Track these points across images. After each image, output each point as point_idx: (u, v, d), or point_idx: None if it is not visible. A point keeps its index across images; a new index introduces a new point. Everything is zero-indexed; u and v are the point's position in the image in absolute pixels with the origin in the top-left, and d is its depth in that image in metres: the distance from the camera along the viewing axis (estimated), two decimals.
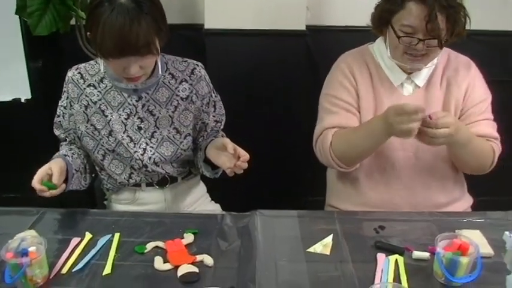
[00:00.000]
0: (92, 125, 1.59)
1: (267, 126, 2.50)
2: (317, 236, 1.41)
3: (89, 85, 1.57)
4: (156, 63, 1.53)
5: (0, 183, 2.70)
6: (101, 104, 1.57)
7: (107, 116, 1.58)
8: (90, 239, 1.40)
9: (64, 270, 1.28)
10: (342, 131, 1.62)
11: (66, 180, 1.49)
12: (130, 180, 1.67)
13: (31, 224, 1.46)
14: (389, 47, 1.60)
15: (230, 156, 1.43)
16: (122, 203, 1.74)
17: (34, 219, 1.49)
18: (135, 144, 1.60)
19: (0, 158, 2.68)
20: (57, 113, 1.64)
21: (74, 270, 1.28)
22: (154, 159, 1.62)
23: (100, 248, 1.36)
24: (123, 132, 1.59)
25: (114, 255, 1.33)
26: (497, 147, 1.64)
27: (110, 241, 1.39)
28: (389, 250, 1.35)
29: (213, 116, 1.70)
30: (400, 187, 1.67)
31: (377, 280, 1.24)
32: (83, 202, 1.74)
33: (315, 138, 1.70)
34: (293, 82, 2.45)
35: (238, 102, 2.40)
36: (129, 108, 1.58)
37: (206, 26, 2.36)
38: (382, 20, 1.59)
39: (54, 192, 1.40)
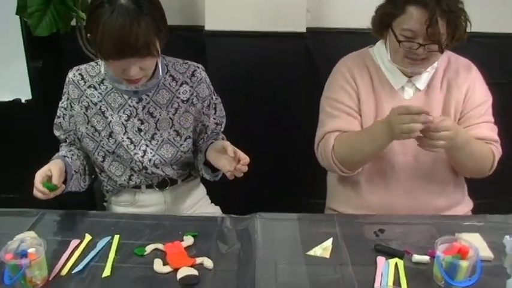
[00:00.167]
0: (92, 126, 1.59)
1: (266, 127, 2.49)
2: (317, 239, 1.41)
3: (90, 86, 1.57)
4: (156, 65, 1.52)
5: (0, 184, 2.70)
6: (101, 106, 1.57)
7: (107, 118, 1.58)
8: (90, 241, 1.40)
9: (63, 272, 1.28)
10: (343, 136, 1.62)
11: (65, 182, 1.49)
12: (130, 182, 1.67)
13: (31, 225, 1.46)
14: (389, 51, 1.60)
15: (230, 159, 1.43)
16: (122, 205, 1.74)
17: (34, 220, 1.49)
18: (135, 146, 1.60)
19: (0, 158, 2.67)
20: (58, 114, 1.64)
21: (73, 272, 1.28)
22: (154, 161, 1.62)
23: (99, 250, 1.36)
24: (123, 134, 1.59)
25: (114, 257, 1.33)
26: (497, 150, 1.64)
27: (110, 243, 1.39)
28: (389, 253, 1.35)
29: (214, 119, 1.70)
30: (401, 191, 1.67)
31: (377, 283, 1.24)
32: (82, 204, 1.74)
33: (316, 142, 1.70)
34: (293, 84, 2.45)
35: (238, 103, 2.40)
36: (130, 110, 1.58)
37: (207, 28, 2.36)
38: (383, 24, 1.59)
39: (54, 192, 1.40)
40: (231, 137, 1.70)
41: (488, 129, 1.64)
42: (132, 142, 1.60)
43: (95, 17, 1.36)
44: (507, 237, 1.22)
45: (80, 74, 1.59)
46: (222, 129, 1.74)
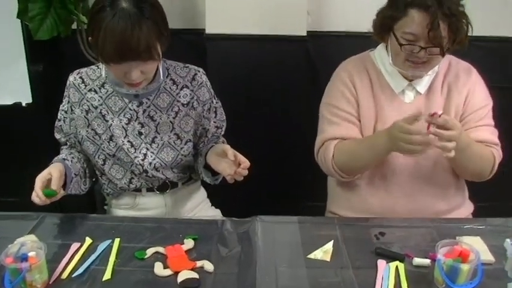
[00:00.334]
0: (92, 129, 1.59)
1: (267, 130, 2.50)
2: (317, 242, 1.41)
3: (90, 90, 1.58)
4: (157, 68, 1.53)
5: (0, 187, 2.70)
6: (101, 109, 1.57)
7: (107, 121, 1.58)
8: (90, 244, 1.40)
9: (64, 276, 1.27)
10: (344, 144, 1.62)
11: (64, 184, 1.49)
12: (131, 185, 1.67)
13: (31, 229, 1.46)
14: (390, 54, 1.60)
15: (230, 163, 1.43)
16: (122, 208, 1.74)
17: (34, 224, 1.49)
18: (135, 149, 1.60)
19: (0, 162, 2.68)
20: (58, 117, 1.64)
21: (73, 275, 1.28)
22: (154, 164, 1.62)
23: (100, 253, 1.36)
24: (124, 137, 1.59)
25: (114, 261, 1.33)
26: (497, 153, 1.63)
27: (110, 246, 1.39)
28: (390, 257, 1.35)
29: (214, 122, 1.70)
30: (401, 194, 1.67)
31: (377, 287, 1.24)
32: (83, 207, 1.74)
33: (316, 149, 1.70)
34: (293, 87, 2.45)
35: (238, 106, 2.40)
36: (130, 114, 1.58)
37: (207, 31, 2.36)
38: (384, 27, 1.59)
39: (55, 198, 1.40)
40: (232, 141, 1.70)
41: (489, 133, 1.64)
42: (132, 145, 1.60)
43: (97, 20, 1.37)
44: (508, 240, 1.21)
45: (80, 77, 1.59)
46: (223, 133, 1.74)
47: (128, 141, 1.59)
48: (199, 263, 1.31)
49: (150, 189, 1.70)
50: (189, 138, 1.65)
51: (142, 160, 1.61)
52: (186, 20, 2.53)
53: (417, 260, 1.33)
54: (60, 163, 1.51)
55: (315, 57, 2.51)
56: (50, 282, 1.25)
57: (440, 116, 1.40)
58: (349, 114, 1.66)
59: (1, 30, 2.34)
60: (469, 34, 1.52)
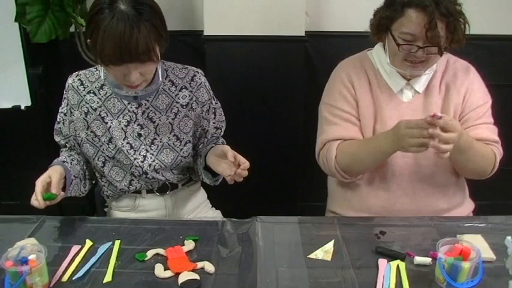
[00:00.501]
0: (92, 131, 1.59)
1: (266, 131, 2.50)
2: (318, 242, 1.41)
3: (89, 92, 1.57)
4: (156, 70, 1.53)
5: (0, 191, 2.70)
6: (101, 111, 1.57)
7: (106, 123, 1.58)
8: (91, 247, 1.40)
9: (64, 278, 1.27)
10: (346, 145, 1.62)
11: (64, 187, 1.49)
12: (131, 187, 1.66)
13: (31, 232, 1.46)
14: (388, 54, 1.60)
15: (230, 164, 1.43)
16: (122, 210, 1.74)
17: (34, 227, 1.48)
18: (135, 151, 1.60)
19: (0, 165, 2.68)
20: (57, 120, 1.64)
21: (74, 278, 1.27)
22: (154, 166, 1.62)
23: (100, 256, 1.36)
24: (123, 139, 1.59)
25: (115, 263, 1.33)
26: (498, 151, 1.63)
27: (111, 248, 1.39)
28: (391, 256, 1.35)
29: (213, 123, 1.70)
30: (401, 193, 1.66)
31: (379, 286, 1.24)
32: (83, 209, 1.74)
33: (317, 150, 1.70)
34: (292, 88, 2.46)
35: (237, 107, 2.41)
36: (129, 115, 1.58)
37: (205, 33, 2.36)
38: (381, 27, 1.59)
39: (54, 201, 1.40)
40: (231, 141, 1.70)
41: (488, 131, 1.64)
42: (132, 147, 1.60)
43: (95, 22, 1.37)
44: (509, 238, 1.21)
45: (79, 79, 1.59)
46: (222, 134, 1.74)
47: (128, 143, 1.59)
48: (199, 264, 1.31)
49: (150, 191, 1.70)
50: (188, 139, 1.65)
51: (142, 162, 1.61)
52: (184, 21, 2.54)
53: (418, 259, 1.32)
54: (59, 165, 1.51)
55: (313, 58, 2.52)
56: (51, 285, 1.24)
57: (440, 118, 1.40)
58: (348, 114, 1.66)
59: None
60: (466, 33, 1.52)
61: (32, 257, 1.21)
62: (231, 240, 1.44)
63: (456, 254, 1.22)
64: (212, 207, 1.89)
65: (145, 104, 1.58)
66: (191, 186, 1.79)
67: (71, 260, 1.34)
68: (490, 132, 1.64)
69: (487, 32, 2.44)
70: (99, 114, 1.57)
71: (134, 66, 1.40)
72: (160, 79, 1.55)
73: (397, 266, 1.31)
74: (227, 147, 1.47)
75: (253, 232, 1.47)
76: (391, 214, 1.63)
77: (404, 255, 1.35)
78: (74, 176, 1.55)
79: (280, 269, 1.31)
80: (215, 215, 1.85)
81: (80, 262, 1.33)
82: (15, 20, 2.21)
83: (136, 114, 1.58)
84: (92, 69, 1.61)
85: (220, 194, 1.84)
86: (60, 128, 1.64)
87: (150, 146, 1.61)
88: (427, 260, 1.32)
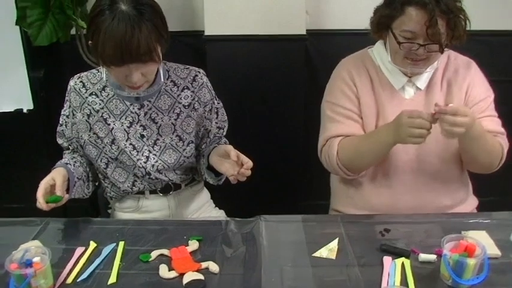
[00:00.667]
0: (94, 133, 1.59)
1: (268, 130, 2.50)
2: (322, 241, 1.41)
3: (91, 94, 1.57)
4: (157, 70, 1.53)
5: (3, 194, 2.71)
6: (103, 113, 1.57)
7: (109, 125, 1.58)
8: (95, 248, 1.40)
9: (69, 280, 1.27)
10: (348, 141, 1.62)
11: (68, 189, 1.49)
12: (134, 188, 1.66)
13: (35, 235, 1.46)
14: (389, 52, 1.60)
15: (233, 164, 1.43)
16: (126, 211, 1.74)
17: (38, 229, 1.48)
18: (138, 152, 1.60)
19: (3, 168, 2.68)
20: (60, 122, 1.64)
21: (79, 280, 1.27)
22: (157, 166, 1.62)
23: (105, 257, 1.36)
24: (126, 140, 1.59)
25: (119, 264, 1.33)
26: (504, 142, 1.62)
27: (115, 250, 1.39)
28: (396, 253, 1.35)
29: (216, 123, 1.70)
30: (404, 191, 1.66)
31: (384, 284, 1.24)
32: (86, 211, 1.74)
33: (319, 147, 1.70)
34: (293, 86, 2.46)
35: (239, 107, 2.41)
36: (132, 116, 1.58)
37: (206, 33, 2.37)
38: (382, 25, 1.58)
39: (60, 203, 1.40)
40: (232, 141, 1.70)
41: (493, 123, 1.63)
42: (134, 148, 1.60)
43: (96, 24, 1.37)
44: None
45: (81, 81, 1.59)
46: (225, 133, 1.74)
47: (130, 144, 1.59)
48: (204, 264, 1.31)
49: (153, 192, 1.70)
50: (191, 139, 1.65)
51: (145, 163, 1.61)
52: (185, 22, 2.54)
53: (423, 256, 1.32)
54: (62, 167, 1.51)
55: (314, 56, 2.52)
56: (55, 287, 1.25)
57: (447, 106, 1.40)
58: (350, 112, 1.65)
59: (0, 38, 2.35)
60: (467, 29, 1.52)
61: (36, 259, 1.21)
62: (235, 240, 1.44)
63: (461, 250, 1.22)
64: (215, 207, 1.89)
65: (148, 105, 1.58)
66: (194, 186, 1.79)
67: (75, 262, 1.34)
68: (496, 124, 1.64)
69: (488, 27, 2.43)
70: (102, 116, 1.57)
71: (136, 67, 1.40)
72: (162, 80, 1.55)
73: (402, 263, 1.31)
74: (230, 147, 1.47)
75: (257, 231, 1.47)
76: (394, 211, 1.63)
77: (409, 252, 1.34)
78: (77, 178, 1.55)
79: (284, 268, 1.31)
80: (219, 214, 1.85)
81: (84, 264, 1.33)
82: (16, 24, 2.22)
83: (138, 115, 1.58)
84: (94, 71, 1.61)
85: (224, 194, 1.84)
86: (62, 130, 1.65)
87: (152, 147, 1.61)
88: (432, 257, 1.32)
